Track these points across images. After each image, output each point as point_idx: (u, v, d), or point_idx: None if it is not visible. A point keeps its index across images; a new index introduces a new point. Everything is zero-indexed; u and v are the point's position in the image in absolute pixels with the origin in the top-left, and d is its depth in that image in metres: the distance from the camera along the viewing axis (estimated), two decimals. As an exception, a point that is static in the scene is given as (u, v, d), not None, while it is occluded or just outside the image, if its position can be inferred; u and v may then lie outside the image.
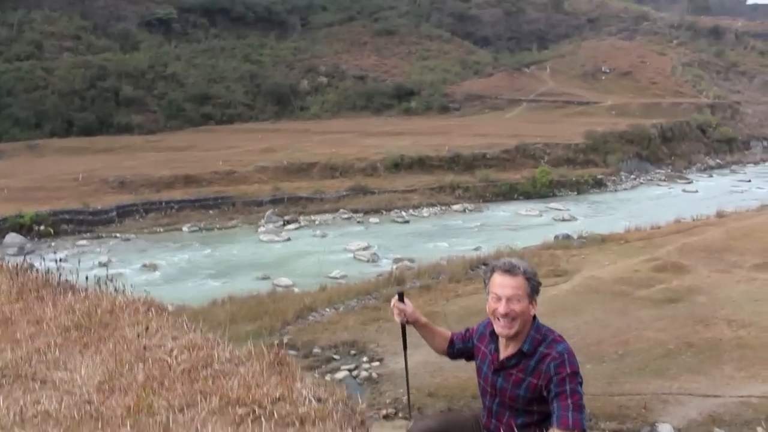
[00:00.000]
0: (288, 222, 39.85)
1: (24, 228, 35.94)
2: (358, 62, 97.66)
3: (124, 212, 40.25)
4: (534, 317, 2.96)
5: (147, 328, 2.37)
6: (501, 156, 52.35)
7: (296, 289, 22.65)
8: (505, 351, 3.01)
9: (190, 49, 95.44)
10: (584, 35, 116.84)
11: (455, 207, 44.21)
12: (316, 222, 40.02)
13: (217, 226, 39.31)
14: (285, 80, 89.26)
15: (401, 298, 3.37)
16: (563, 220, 39.50)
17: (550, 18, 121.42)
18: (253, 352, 2.07)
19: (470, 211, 43.74)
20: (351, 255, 31.48)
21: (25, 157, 58.05)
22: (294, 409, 1.69)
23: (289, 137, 61.61)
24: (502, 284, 2.89)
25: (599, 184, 51.81)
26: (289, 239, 36.12)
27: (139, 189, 43.38)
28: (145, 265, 30.31)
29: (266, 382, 1.82)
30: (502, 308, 2.87)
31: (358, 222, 40.18)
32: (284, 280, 25.96)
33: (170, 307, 2.76)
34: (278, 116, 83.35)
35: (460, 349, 3.39)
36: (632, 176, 55.52)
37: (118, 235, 37.38)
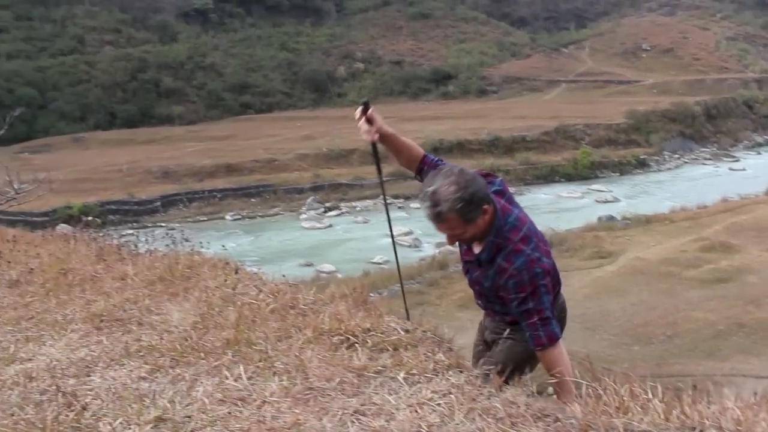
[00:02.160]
0: (329, 209, 40.13)
1: (73, 219, 36.81)
2: (395, 47, 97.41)
3: (168, 202, 40.97)
4: (494, 216, 2.65)
5: (226, 279, 2.49)
6: (541, 138, 51.84)
7: (339, 275, 22.87)
8: (475, 246, 2.80)
9: (228, 38, 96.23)
10: (623, 12, 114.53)
11: (495, 190, 43.99)
12: (357, 208, 40.21)
13: (259, 214, 39.78)
14: (322, 67, 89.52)
15: (366, 109, 2.83)
16: (606, 201, 39.03)
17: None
18: (335, 295, 2.17)
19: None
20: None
21: (71, 150, 59.36)
22: (386, 337, 1.78)
23: (328, 124, 61.87)
24: (438, 228, 2.64)
25: (642, 165, 50.98)
26: (330, 226, 36.39)
27: (182, 179, 44.09)
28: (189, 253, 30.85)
29: (354, 316, 1.91)
30: (447, 241, 2.72)
31: (399, 207, 40.24)
32: (327, 266, 26.21)
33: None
34: (316, 103, 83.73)
35: None
36: (676, 156, 54.45)
37: (162, 224, 38.08)
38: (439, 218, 2.53)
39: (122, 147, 57.61)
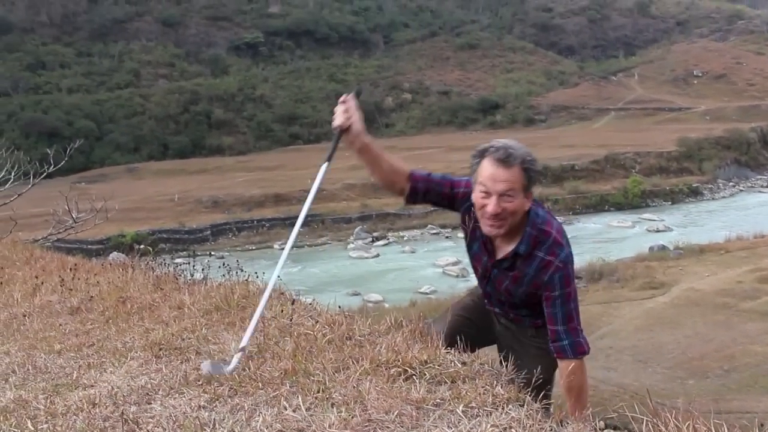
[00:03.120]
0: (377, 238, 40.25)
1: (125, 247, 37.68)
2: (442, 77, 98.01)
3: (218, 231, 41.64)
4: (529, 210, 2.49)
5: (282, 310, 2.53)
6: (590, 167, 51.26)
7: (386, 305, 22.81)
8: (500, 249, 2.57)
9: (277, 71, 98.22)
10: (673, 39, 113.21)
11: (544, 219, 43.60)
12: (405, 238, 40.24)
13: (308, 243, 40.09)
14: (370, 98, 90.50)
15: (359, 95, 2.66)
16: (658, 230, 38.25)
17: (636, 23, 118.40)
18: (392, 325, 2.18)
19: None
20: (440, 270, 31.46)
21: (125, 180, 60.99)
22: (443, 370, 1.77)
23: (375, 154, 62.27)
24: (493, 176, 2.37)
25: (695, 193, 49.91)
26: (378, 255, 36.44)
27: (231, 208, 44.82)
28: (244, 283, 31.24)
29: (411, 348, 1.92)
30: (491, 207, 2.38)
31: (446, 237, 40.15)
32: (374, 296, 26.19)
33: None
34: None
35: (429, 193, 2.68)
36: (731, 183, 53.18)
37: (212, 253, 38.68)
38: (509, 160, 2.34)
39: (174, 177, 58.95)
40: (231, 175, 56.83)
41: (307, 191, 2.64)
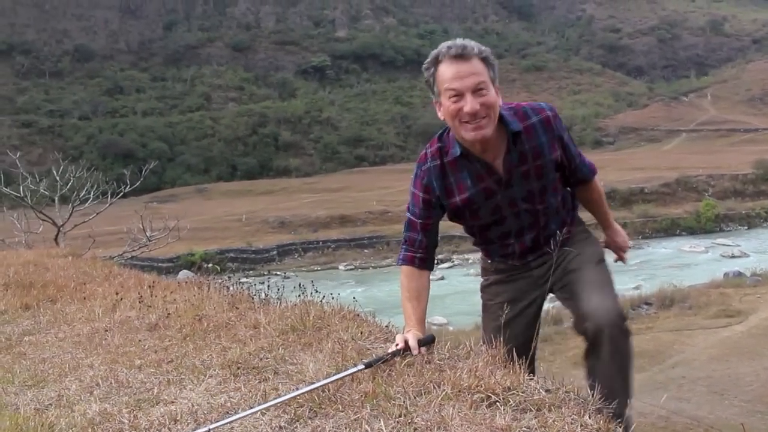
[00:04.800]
0: (441, 260, 40.07)
1: (194, 265, 38.59)
2: (508, 99, 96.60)
3: (284, 251, 42.20)
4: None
5: (362, 332, 2.53)
6: (660, 190, 49.96)
7: (451, 328, 22.63)
8: (495, 156, 2.31)
9: (343, 93, 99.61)
10: (749, 57, 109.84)
11: (613, 243, 42.66)
12: (470, 261, 39.91)
13: (372, 264, 40.20)
14: (435, 120, 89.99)
15: (426, 344, 2.29)
16: (733, 256, 36.84)
17: (709, 42, 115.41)
18: (471, 350, 2.15)
19: (629, 247, 42.01)
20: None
21: (195, 200, 62.59)
22: (528, 397, 1.73)
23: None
24: (458, 74, 2.16)
25: (773, 218, 48.03)
26: (442, 278, 36.25)
27: (297, 229, 45.41)
28: (319, 304, 31.55)
29: (493, 373, 1.88)
30: (469, 104, 2.16)
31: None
32: (438, 319, 26.02)
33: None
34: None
35: (430, 238, 2.44)
36: (811, 208, 50.92)
37: (278, 272, 39.21)
38: (466, 54, 2.16)
39: (242, 198, 60.18)
40: (297, 196, 57.67)
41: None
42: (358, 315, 2.75)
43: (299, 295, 3.25)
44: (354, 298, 2.03)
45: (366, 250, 42.12)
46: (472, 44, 2.19)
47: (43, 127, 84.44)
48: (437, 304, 29.55)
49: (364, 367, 2.05)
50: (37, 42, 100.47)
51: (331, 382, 2.02)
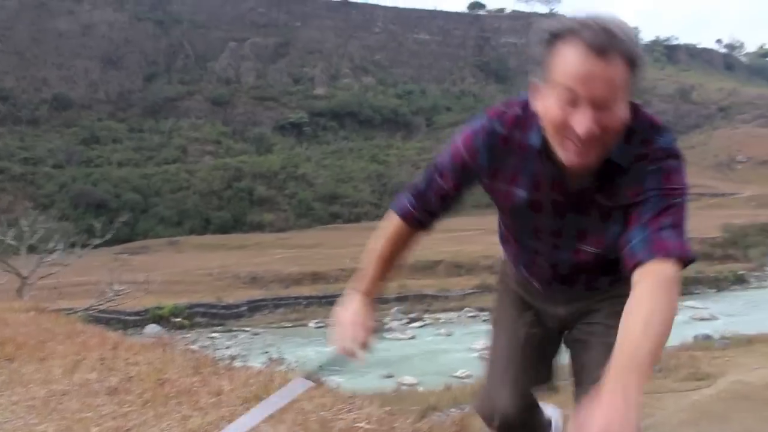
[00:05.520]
0: (413, 320, 39.87)
1: (163, 319, 37.96)
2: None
3: (255, 307, 41.73)
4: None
5: (325, 403, 2.50)
6: (631, 252, 50.57)
7: (420, 388, 22.39)
8: (580, 174, 1.62)
9: (320, 150, 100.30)
10: (716, 125, 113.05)
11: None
12: (441, 320, 39.77)
13: (343, 321, 39.86)
14: (411, 179, 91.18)
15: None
16: (702, 319, 37.18)
17: (678, 108, 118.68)
18: (431, 426, 2.13)
19: None
20: (477, 354, 30.90)
21: (167, 253, 61.92)
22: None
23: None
24: (588, 75, 1.44)
25: (741, 281, 48.63)
26: (413, 337, 36.02)
27: (269, 285, 45.02)
28: (271, 359, 31.02)
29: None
30: (584, 124, 1.47)
31: (484, 321, 39.56)
32: (408, 379, 25.76)
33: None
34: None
35: (433, 205, 1.89)
36: (778, 272, 51.75)
37: (248, 329, 38.66)
38: (608, 49, 1.43)
39: (214, 252, 59.69)
40: (270, 252, 57.36)
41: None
42: (322, 384, 2.72)
43: (263, 363, 3.20)
44: (320, 366, 1.85)
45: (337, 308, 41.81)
46: (618, 30, 1.45)
47: (15, 174, 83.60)
48: (408, 364, 29.26)
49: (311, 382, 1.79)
50: (15, 89, 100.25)
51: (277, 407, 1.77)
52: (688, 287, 46.62)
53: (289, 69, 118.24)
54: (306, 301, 42.11)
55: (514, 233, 1.93)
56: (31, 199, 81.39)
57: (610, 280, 1.86)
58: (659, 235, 1.54)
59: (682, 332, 30.75)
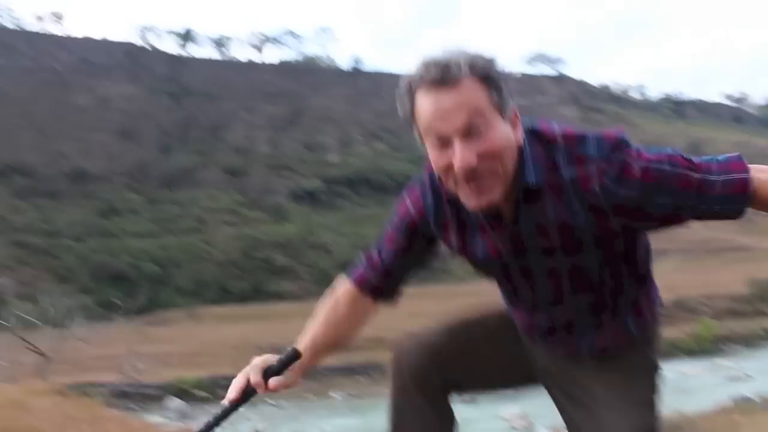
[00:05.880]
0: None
1: (184, 393, 37.39)
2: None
3: (276, 378, 41.12)
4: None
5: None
6: (657, 311, 49.73)
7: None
8: (506, 211, 1.55)
9: (336, 217, 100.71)
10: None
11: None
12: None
13: (367, 393, 39.07)
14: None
15: (285, 367, 1.82)
16: (737, 379, 36.04)
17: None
18: None
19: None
20: (506, 423, 30.02)
21: (186, 324, 61.64)
22: None
23: (437, 300, 61.66)
24: (438, 110, 1.40)
25: (772, 337, 47.60)
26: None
27: (290, 354, 44.46)
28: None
29: None
30: (459, 158, 1.40)
31: (511, 386, 38.63)
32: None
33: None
34: (424, 280, 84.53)
35: (407, 266, 1.79)
36: (810, 327, 50.53)
37: (270, 401, 37.97)
38: (449, 76, 1.38)
39: (234, 322, 59.30)
40: (290, 321, 56.80)
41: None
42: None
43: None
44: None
45: (361, 378, 41.03)
46: (459, 57, 1.41)
47: (36, 248, 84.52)
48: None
49: None
50: (35, 163, 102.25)
51: None
52: (717, 344, 45.59)
53: (301, 137, 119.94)
54: (328, 371, 41.38)
55: (503, 292, 1.79)
56: (51, 271, 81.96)
57: (611, 314, 1.68)
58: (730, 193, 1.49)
59: (718, 394, 29.77)
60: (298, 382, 1.89)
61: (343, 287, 1.86)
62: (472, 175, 1.42)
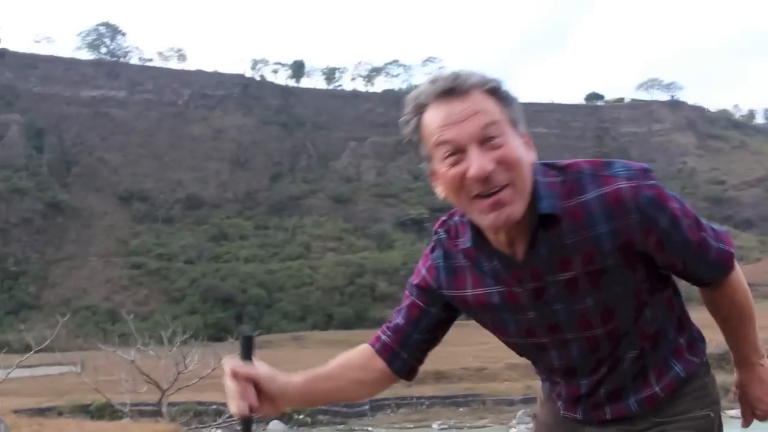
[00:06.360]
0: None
1: (286, 416, 37.82)
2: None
3: (377, 406, 40.96)
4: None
5: None
6: None
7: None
8: (519, 247, 1.42)
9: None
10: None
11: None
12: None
13: (467, 425, 38.27)
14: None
15: (247, 351, 1.55)
16: None
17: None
18: None
19: None
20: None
21: (290, 348, 62.61)
22: None
23: (538, 330, 60.28)
24: (450, 117, 1.32)
25: None
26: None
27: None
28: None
29: None
30: (476, 163, 1.29)
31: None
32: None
33: None
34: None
35: (413, 341, 1.68)
36: None
37: (370, 429, 37.84)
38: (459, 85, 1.32)
39: (337, 347, 59.16)
40: (392, 348, 56.74)
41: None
42: None
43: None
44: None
45: (461, 409, 40.30)
46: (467, 72, 1.35)
47: (151, 270, 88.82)
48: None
49: None
50: (153, 190, 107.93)
51: None
52: None
53: (408, 166, 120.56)
54: (428, 401, 40.92)
55: (522, 354, 1.68)
56: (164, 292, 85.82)
57: (650, 362, 1.53)
58: (716, 260, 1.49)
59: None
60: (280, 410, 1.66)
61: (359, 348, 1.78)
62: (488, 185, 1.31)
